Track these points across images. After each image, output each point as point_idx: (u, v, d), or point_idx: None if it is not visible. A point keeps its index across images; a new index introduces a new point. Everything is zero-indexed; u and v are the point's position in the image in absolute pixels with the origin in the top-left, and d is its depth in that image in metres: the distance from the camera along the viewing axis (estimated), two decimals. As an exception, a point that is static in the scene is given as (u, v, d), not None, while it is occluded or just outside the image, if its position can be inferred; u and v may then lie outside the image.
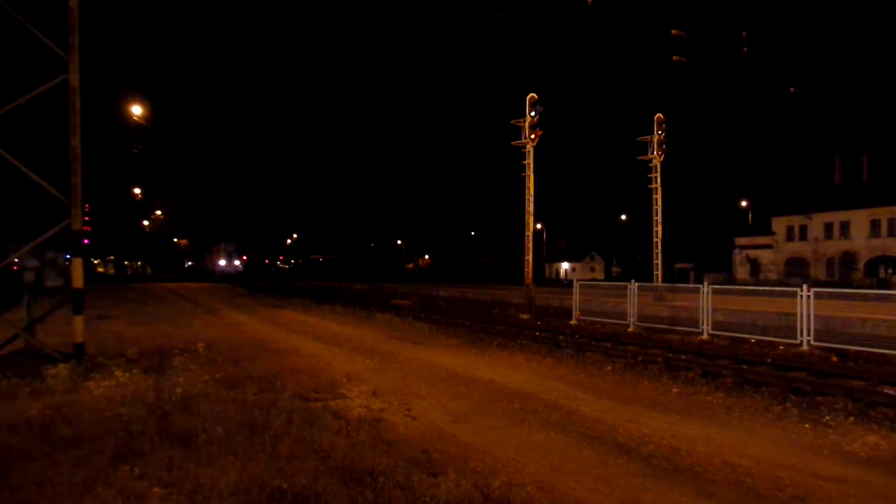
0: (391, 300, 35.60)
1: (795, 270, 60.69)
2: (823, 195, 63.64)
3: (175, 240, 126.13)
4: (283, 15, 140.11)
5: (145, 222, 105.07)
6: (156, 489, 5.10)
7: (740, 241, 68.08)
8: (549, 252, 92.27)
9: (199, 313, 24.14)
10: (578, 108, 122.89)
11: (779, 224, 65.04)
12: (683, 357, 13.19)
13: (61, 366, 10.20)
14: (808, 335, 14.49)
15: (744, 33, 23.82)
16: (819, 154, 68.67)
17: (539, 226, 74.14)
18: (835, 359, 13.21)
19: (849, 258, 57.14)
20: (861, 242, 57.36)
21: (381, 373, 11.08)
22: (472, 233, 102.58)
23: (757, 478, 5.76)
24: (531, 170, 24.55)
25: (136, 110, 32.23)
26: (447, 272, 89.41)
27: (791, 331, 15.04)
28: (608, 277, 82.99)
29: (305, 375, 10.48)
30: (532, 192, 24.66)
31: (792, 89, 27.28)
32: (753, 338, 15.85)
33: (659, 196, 26.74)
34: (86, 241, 34.86)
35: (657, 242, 26.71)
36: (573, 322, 21.59)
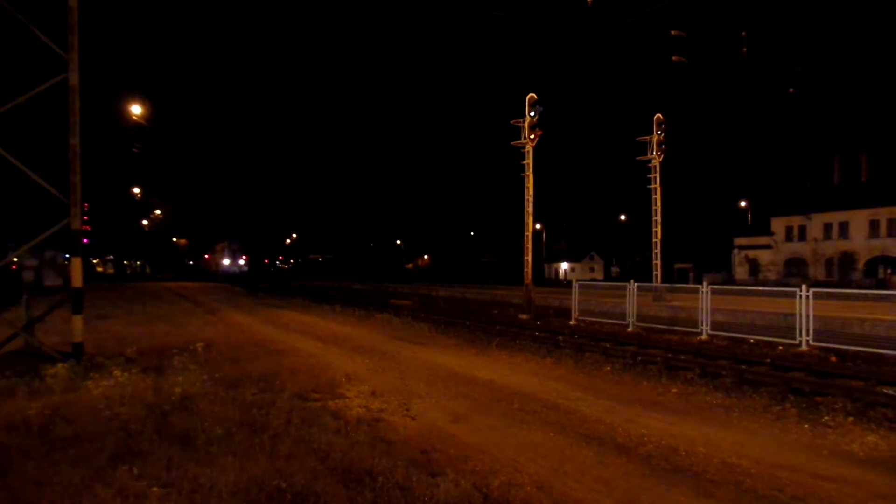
0: (390, 300, 35.61)
1: (795, 270, 60.68)
2: (822, 195, 63.61)
3: (174, 239, 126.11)
4: (282, 15, 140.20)
5: (144, 222, 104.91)
6: (155, 489, 5.09)
7: (739, 241, 68.10)
8: (548, 252, 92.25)
9: (199, 313, 24.15)
10: (578, 108, 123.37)
11: (778, 224, 65.03)
12: (683, 357, 13.20)
13: (60, 365, 10.17)
14: (808, 335, 14.50)
15: (743, 33, 23.82)
16: (818, 154, 68.78)
17: (538, 226, 74.13)
18: (834, 359, 13.21)
19: (848, 258, 57.11)
20: (860, 243, 57.34)
21: (381, 373, 11.08)
22: (472, 233, 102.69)
23: (756, 478, 5.77)
24: (530, 170, 24.55)
25: (136, 110, 32.14)
26: (446, 272, 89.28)
27: (790, 331, 15.04)
28: (607, 277, 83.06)
29: (304, 375, 10.48)
30: (531, 192, 24.66)
31: (791, 90, 27.27)
32: (752, 338, 15.85)
33: (658, 196, 26.76)
34: (85, 240, 34.87)
35: (656, 242, 26.73)
36: (572, 322, 21.58)
